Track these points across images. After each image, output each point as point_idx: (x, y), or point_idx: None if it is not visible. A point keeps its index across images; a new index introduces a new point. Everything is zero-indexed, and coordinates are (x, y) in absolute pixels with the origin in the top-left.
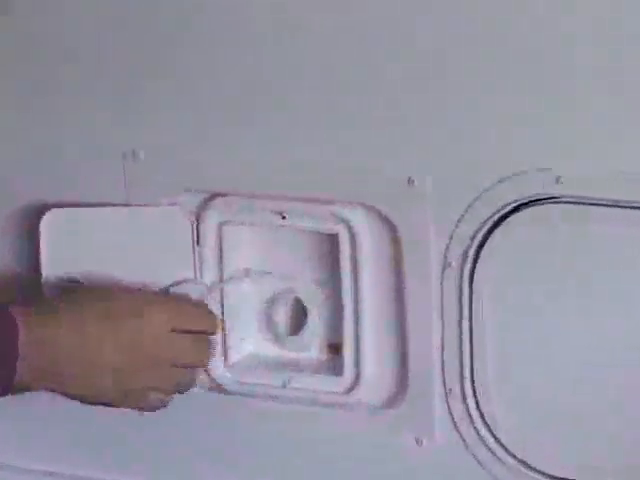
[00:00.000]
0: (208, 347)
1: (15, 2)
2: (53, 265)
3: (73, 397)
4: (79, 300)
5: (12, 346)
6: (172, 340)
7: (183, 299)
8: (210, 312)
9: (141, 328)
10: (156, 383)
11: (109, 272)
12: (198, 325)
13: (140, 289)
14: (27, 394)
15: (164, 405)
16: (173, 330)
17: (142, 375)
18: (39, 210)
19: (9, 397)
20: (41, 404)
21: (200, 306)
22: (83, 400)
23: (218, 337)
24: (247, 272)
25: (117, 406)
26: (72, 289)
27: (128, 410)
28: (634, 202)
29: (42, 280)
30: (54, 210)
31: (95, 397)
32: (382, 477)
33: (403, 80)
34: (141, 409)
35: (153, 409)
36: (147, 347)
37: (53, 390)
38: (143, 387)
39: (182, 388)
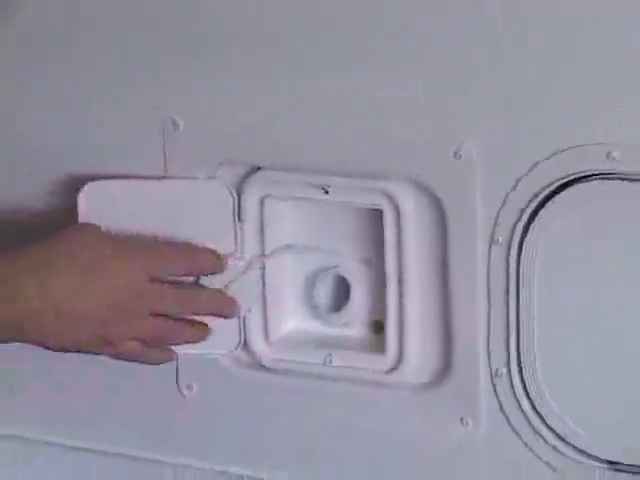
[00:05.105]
0: (194, 294)
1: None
2: None
3: (53, 348)
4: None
5: None
6: (150, 289)
7: (164, 243)
8: (200, 251)
9: (115, 276)
10: (135, 333)
11: None
12: (180, 269)
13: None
14: None
15: (159, 359)
16: (153, 279)
17: (120, 325)
18: (77, 183)
19: None
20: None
21: (184, 247)
22: (64, 350)
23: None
24: (289, 247)
25: (98, 354)
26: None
27: (166, 388)
28: None
29: None
30: (93, 182)
31: (75, 346)
32: (426, 458)
33: (452, 49)
34: (121, 358)
35: (135, 359)
36: (123, 296)
37: (32, 341)
38: (121, 337)
39: (170, 340)
